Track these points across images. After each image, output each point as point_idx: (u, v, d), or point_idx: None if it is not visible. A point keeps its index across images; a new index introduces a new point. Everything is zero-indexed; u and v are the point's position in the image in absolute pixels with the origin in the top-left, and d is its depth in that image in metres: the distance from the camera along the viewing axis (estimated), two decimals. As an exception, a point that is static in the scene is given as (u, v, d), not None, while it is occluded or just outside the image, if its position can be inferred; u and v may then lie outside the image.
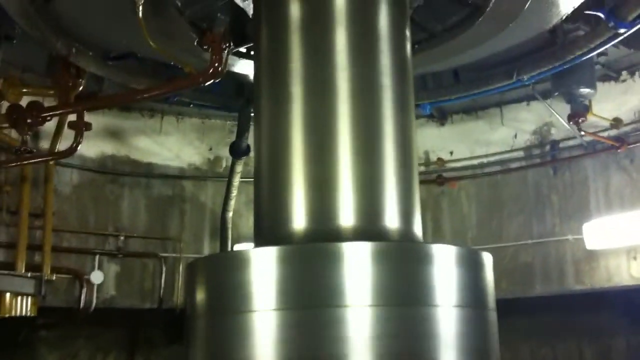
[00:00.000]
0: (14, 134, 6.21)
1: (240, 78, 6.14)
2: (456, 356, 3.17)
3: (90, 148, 7.68)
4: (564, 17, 5.21)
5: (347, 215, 3.58)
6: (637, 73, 7.39)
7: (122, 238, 7.74)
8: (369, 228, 3.57)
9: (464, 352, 3.20)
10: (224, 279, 3.33)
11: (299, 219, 3.62)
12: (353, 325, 3.01)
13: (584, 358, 8.65)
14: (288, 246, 3.37)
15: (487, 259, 3.61)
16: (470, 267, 3.43)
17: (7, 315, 6.18)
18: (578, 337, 8.67)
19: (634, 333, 8.26)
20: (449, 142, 8.75)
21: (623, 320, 8.30)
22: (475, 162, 8.55)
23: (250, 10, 4.42)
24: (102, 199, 7.82)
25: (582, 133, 7.13)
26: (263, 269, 3.19)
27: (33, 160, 6.51)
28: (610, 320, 8.42)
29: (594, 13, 5.23)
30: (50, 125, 6.52)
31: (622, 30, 5.14)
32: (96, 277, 7.29)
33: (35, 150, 6.72)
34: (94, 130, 6.62)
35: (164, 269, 7.85)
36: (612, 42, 5.48)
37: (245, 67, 5.71)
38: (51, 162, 6.92)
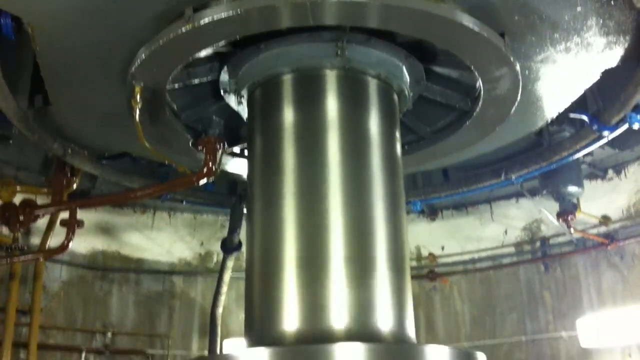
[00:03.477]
0: (5, 230, 6.22)
1: (233, 176, 6.22)
2: None
3: (81, 244, 7.67)
4: (549, 121, 5.37)
5: (339, 316, 3.57)
6: (623, 172, 7.54)
7: (109, 335, 7.61)
8: (361, 329, 3.55)
9: None
10: (214, 384, 3.28)
11: (290, 320, 3.61)
12: None
13: None
14: (279, 348, 3.34)
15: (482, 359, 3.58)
16: (465, 370, 3.40)
17: (-12, 418, 5.99)
18: None
19: None
20: (440, 237, 8.79)
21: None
22: (466, 257, 8.58)
23: (244, 114, 4.55)
24: (91, 295, 7.74)
25: (572, 230, 7.20)
26: (254, 373, 3.15)
27: (23, 258, 6.50)
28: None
29: (578, 116, 5.41)
30: (41, 222, 6.55)
31: (605, 133, 5.29)
32: (82, 376, 7.13)
33: (26, 248, 6.72)
34: (85, 226, 6.64)
35: (151, 367, 7.69)
36: (597, 144, 5.63)
37: (238, 166, 5.80)
38: (41, 259, 6.88)
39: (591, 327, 7.17)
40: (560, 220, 7.06)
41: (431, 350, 3.33)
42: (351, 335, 3.50)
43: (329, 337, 3.48)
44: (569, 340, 7.46)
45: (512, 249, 8.32)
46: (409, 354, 3.32)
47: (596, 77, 4.61)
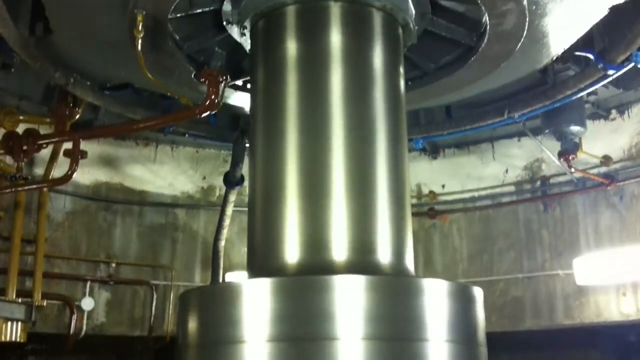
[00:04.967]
0: (9, 160, 6.25)
1: (235, 110, 6.21)
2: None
3: (84, 175, 7.72)
4: (554, 58, 5.32)
5: (339, 248, 3.63)
6: (626, 112, 7.51)
7: (113, 265, 7.73)
8: (361, 261, 3.62)
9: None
10: (216, 310, 3.36)
11: (291, 252, 3.67)
12: (344, 358, 3.04)
13: (572, 394, 8.64)
14: (280, 278, 3.41)
15: (478, 293, 3.66)
16: (461, 302, 3.48)
17: (-4, 341, 6.15)
18: (567, 373, 8.68)
19: (622, 370, 8.28)
20: (441, 176, 8.83)
21: (612, 357, 8.31)
22: (466, 195, 8.62)
23: (247, 46, 4.51)
24: (95, 226, 7.82)
25: (572, 170, 7.22)
26: (255, 300, 3.23)
27: (27, 187, 6.55)
28: (599, 356, 8.43)
29: (584, 54, 5.36)
30: (45, 153, 6.57)
31: (610, 72, 5.26)
32: (87, 303, 7.27)
33: (30, 177, 6.76)
34: (88, 158, 6.69)
35: (154, 296, 7.84)
36: (602, 83, 5.60)
37: (240, 100, 5.79)
38: (45, 189, 6.94)
39: (587, 265, 7.26)
40: (561, 159, 7.08)
41: (429, 282, 3.40)
42: (351, 268, 3.57)
43: (330, 269, 3.55)
44: (565, 278, 7.57)
45: (512, 188, 8.36)
46: (408, 286, 3.38)
47: (603, 12, 4.54)
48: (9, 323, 6.23)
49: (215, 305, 3.38)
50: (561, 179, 7.91)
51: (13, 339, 6.26)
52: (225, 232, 7.49)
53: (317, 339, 3.08)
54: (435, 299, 3.32)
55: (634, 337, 7.64)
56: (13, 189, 6.29)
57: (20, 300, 6.47)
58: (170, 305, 7.93)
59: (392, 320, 3.17)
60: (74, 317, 7.11)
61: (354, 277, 3.25)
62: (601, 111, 7.54)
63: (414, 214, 8.11)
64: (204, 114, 4.78)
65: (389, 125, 3.99)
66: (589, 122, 7.09)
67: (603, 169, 7.44)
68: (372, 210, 3.77)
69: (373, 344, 3.08)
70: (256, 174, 4.06)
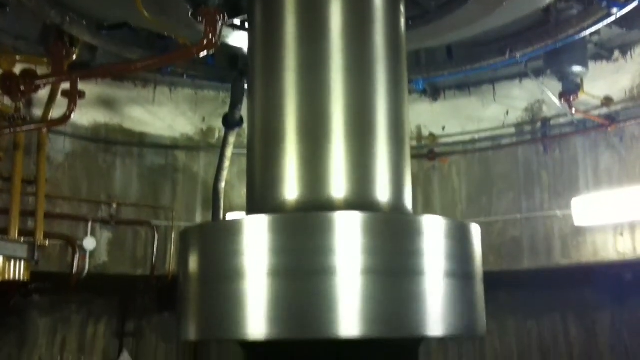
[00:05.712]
0: (7, 101, 6.23)
1: (234, 50, 6.15)
2: (443, 322, 3.26)
3: (83, 117, 7.70)
4: (557, -4, 5.24)
5: (338, 186, 3.65)
6: (629, 53, 7.43)
7: (114, 206, 7.77)
8: (360, 199, 3.65)
9: (451, 319, 3.29)
10: (217, 246, 3.40)
11: (291, 189, 3.69)
12: (342, 292, 3.09)
13: (569, 332, 8.81)
14: (280, 215, 3.44)
15: (476, 230, 3.70)
16: (459, 238, 3.51)
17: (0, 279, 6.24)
18: (563, 311, 8.83)
19: (618, 308, 8.42)
20: (441, 118, 8.80)
21: (608, 295, 8.45)
22: (466, 137, 8.62)
23: (245, -18, 4.43)
24: (95, 168, 7.84)
25: (573, 111, 7.20)
26: (255, 236, 3.26)
27: (26, 128, 6.55)
28: (595, 295, 8.57)
29: (588, -8, 5.28)
30: (43, 94, 6.55)
31: (614, 10, 5.18)
32: (89, 243, 7.34)
33: (28, 118, 6.75)
34: (86, 99, 6.63)
35: (156, 237, 7.91)
36: (605, 22, 5.52)
37: (239, 40, 5.72)
38: (44, 130, 6.92)
39: (586, 206, 7.32)
40: (563, 100, 7.05)
41: (427, 219, 3.43)
42: (350, 205, 3.59)
43: (329, 206, 3.58)
44: (563, 218, 7.63)
45: (512, 130, 8.35)
46: (406, 222, 3.42)
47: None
48: (12, 262, 6.32)
49: (216, 241, 3.42)
50: (562, 120, 7.89)
51: (17, 277, 6.36)
52: (225, 174, 7.53)
53: (316, 273, 3.13)
54: (432, 234, 3.36)
55: (629, 276, 7.75)
56: (12, 130, 6.28)
57: (22, 239, 6.54)
58: (172, 246, 8.01)
59: (390, 255, 3.21)
60: (77, 256, 7.19)
61: (352, 214, 3.28)
62: (604, 52, 7.45)
63: (413, 157, 8.15)
64: (202, 53, 4.73)
65: (389, 65, 3.96)
66: (591, 63, 7.03)
67: (604, 110, 7.42)
68: (371, 149, 3.78)
69: (371, 278, 3.13)
70: (255, 114, 4.05)
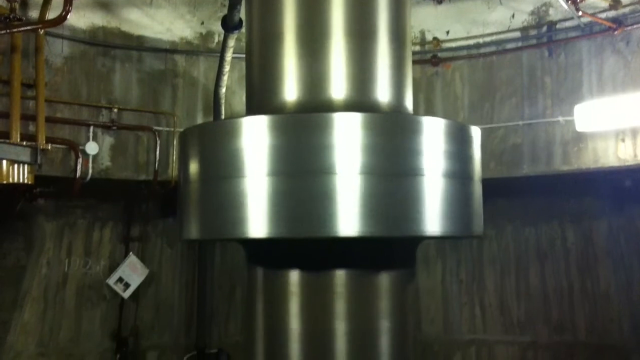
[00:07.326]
0: (2, 2, 6.10)
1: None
2: (441, 221, 3.31)
3: (81, 19, 7.55)
4: None
5: (338, 87, 3.63)
6: (640, -48, 7.19)
7: (115, 111, 7.74)
8: (360, 100, 3.63)
9: (448, 218, 3.34)
10: (217, 145, 3.41)
11: (290, 90, 3.67)
12: (341, 192, 3.13)
13: (566, 238, 8.97)
14: (279, 115, 3.43)
15: (476, 132, 3.70)
16: (459, 139, 3.52)
17: (4, 182, 6.28)
18: (561, 218, 8.95)
19: (615, 215, 8.53)
20: (445, 21, 8.61)
21: (606, 202, 8.55)
22: (471, 42, 8.48)
23: None
24: (94, 71, 7.75)
25: (580, 14, 7.04)
26: (254, 136, 3.27)
27: (23, 28, 6.43)
28: (593, 202, 8.67)
29: None
30: (38, -6, 6.41)
31: None
32: (91, 147, 7.36)
33: (24, 19, 6.62)
34: (84, 1, 6.50)
35: (158, 142, 7.92)
36: None
37: (238, -64, 5.54)
38: (41, 32, 6.80)
39: (588, 112, 7.26)
40: (569, 2, 6.88)
41: (427, 120, 3.42)
42: (350, 106, 3.58)
43: (328, 107, 3.57)
44: (566, 125, 7.59)
45: (517, 34, 8.19)
46: (406, 123, 3.41)
47: None
48: (15, 165, 6.36)
49: (216, 141, 3.43)
50: (568, 24, 7.72)
51: (20, 180, 6.41)
52: (225, 79, 7.46)
53: (315, 173, 3.15)
54: (432, 135, 3.36)
55: (629, 182, 7.81)
56: (8, 31, 6.18)
57: (25, 143, 6.56)
58: (174, 151, 8.03)
59: (389, 155, 3.22)
60: (79, 160, 7.22)
61: (352, 114, 3.27)
62: (614, -49, 7.21)
63: (416, 62, 8.05)
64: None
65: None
66: (601, -37, 6.82)
67: (612, 13, 7.25)
68: (372, 51, 3.73)
69: (370, 177, 3.15)
70: (253, 15, 3.98)
